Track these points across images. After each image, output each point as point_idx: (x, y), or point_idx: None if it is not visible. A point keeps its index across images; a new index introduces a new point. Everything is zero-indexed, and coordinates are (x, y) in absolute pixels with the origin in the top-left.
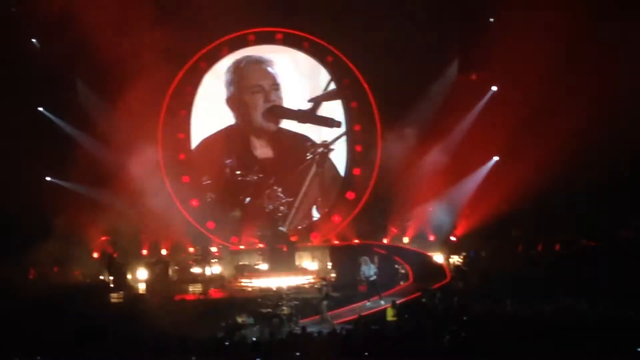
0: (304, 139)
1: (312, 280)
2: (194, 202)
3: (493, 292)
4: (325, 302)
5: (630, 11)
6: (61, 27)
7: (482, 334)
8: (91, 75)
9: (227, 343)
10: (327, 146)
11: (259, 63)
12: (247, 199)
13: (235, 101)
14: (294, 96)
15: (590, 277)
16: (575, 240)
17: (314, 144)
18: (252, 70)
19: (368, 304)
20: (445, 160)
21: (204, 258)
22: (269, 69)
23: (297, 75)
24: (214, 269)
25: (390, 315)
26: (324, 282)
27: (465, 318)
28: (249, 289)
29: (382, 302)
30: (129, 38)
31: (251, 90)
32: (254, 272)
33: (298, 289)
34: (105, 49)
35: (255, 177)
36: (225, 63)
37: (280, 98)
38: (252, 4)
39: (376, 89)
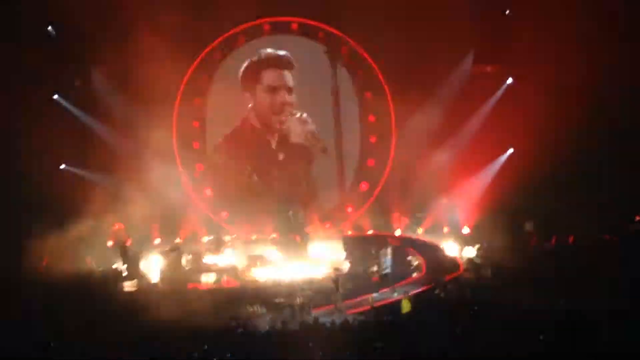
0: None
1: (325, 271)
2: (208, 191)
3: (506, 285)
4: (339, 293)
5: None
6: (76, 15)
7: (494, 326)
8: (106, 62)
9: (239, 332)
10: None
11: (277, 66)
12: (255, 177)
13: (249, 89)
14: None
15: (604, 270)
16: (589, 233)
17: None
18: (268, 72)
19: (376, 295)
20: (460, 152)
21: (217, 247)
22: (285, 72)
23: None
24: (227, 258)
25: (406, 307)
26: (338, 272)
27: (477, 309)
28: (262, 279)
29: (395, 294)
30: (145, 26)
31: (264, 89)
32: (267, 262)
33: (311, 280)
34: (121, 36)
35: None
36: (243, 50)
37: (292, 100)
38: None
39: (391, 79)
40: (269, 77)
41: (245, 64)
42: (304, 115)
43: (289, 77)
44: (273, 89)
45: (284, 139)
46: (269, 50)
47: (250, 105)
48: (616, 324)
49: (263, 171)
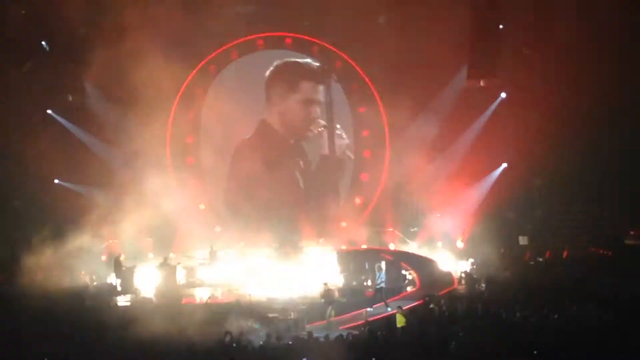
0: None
1: (317, 285)
2: (202, 206)
3: (501, 299)
4: (330, 307)
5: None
6: (70, 30)
7: (488, 340)
8: (100, 77)
9: (233, 347)
10: None
11: (315, 79)
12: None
13: (279, 94)
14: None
15: (598, 284)
16: (583, 247)
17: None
18: (306, 83)
19: (370, 310)
20: (453, 167)
21: (212, 261)
22: (320, 86)
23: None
24: (222, 272)
25: (401, 322)
26: (326, 287)
27: (470, 324)
28: (256, 294)
29: (389, 309)
30: (138, 41)
31: (299, 99)
32: (262, 276)
33: (305, 294)
34: (114, 51)
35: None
36: (236, 65)
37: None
38: (261, 9)
39: (385, 94)
40: (306, 88)
41: (275, 65)
42: (338, 127)
43: (322, 92)
44: (309, 102)
45: (315, 149)
46: (308, 59)
47: (275, 108)
48: (609, 336)
49: (288, 175)
